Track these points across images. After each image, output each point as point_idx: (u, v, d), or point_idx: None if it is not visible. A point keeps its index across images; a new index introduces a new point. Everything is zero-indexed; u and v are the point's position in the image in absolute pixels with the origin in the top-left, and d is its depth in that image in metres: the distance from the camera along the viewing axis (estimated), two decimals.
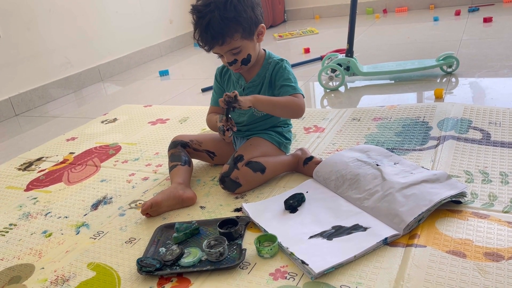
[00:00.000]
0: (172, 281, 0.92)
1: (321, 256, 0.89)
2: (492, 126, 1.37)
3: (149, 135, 1.81)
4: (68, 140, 1.91)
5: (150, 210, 1.16)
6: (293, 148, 1.40)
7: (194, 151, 1.36)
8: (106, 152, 1.71)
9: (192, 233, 1.05)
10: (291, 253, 0.92)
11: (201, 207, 1.19)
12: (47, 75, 2.69)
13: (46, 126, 2.23)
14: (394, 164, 1.16)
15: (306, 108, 1.29)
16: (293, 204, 1.09)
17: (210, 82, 1.71)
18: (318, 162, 1.24)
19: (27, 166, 1.70)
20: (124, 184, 1.41)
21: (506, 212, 0.97)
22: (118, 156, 1.64)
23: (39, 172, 1.63)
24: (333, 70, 2.04)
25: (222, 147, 1.37)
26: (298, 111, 1.22)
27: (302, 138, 1.52)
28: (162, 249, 1.01)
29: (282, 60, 1.28)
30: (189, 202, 1.21)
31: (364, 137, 1.45)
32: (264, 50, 1.31)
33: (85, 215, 1.26)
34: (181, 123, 1.89)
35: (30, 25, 2.56)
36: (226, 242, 0.96)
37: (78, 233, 1.17)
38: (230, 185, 1.20)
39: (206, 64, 3.03)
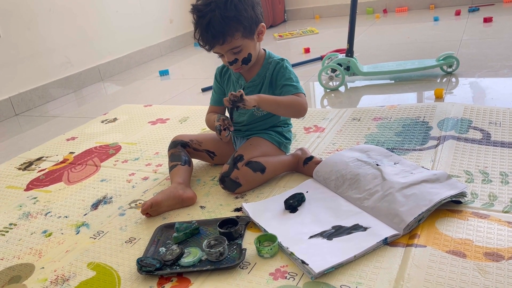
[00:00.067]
0: (172, 281, 0.92)
1: (321, 256, 0.89)
2: (492, 126, 1.37)
3: (149, 135, 1.81)
4: (68, 139, 1.91)
5: (150, 210, 1.16)
6: (293, 148, 1.40)
7: (194, 151, 1.36)
8: (106, 151, 1.71)
9: (192, 233, 1.05)
10: (291, 253, 0.92)
11: (201, 207, 1.19)
12: (47, 75, 2.69)
13: (46, 125, 2.23)
14: (394, 164, 1.16)
15: None
16: (293, 204, 1.09)
17: (210, 82, 1.71)
18: (318, 162, 1.24)
19: (27, 165, 1.70)
20: (124, 183, 1.41)
21: (506, 212, 0.97)
22: (118, 156, 1.64)
23: (39, 171, 1.63)
24: (333, 70, 2.04)
25: (222, 147, 1.37)
26: (301, 111, 1.22)
27: (302, 138, 1.52)
28: (162, 249, 1.01)
29: (282, 59, 1.28)
30: (189, 202, 1.21)
31: (364, 137, 1.45)
32: (264, 50, 1.31)
33: (85, 214, 1.26)
34: (181, 123, 1.89)
35: (30, 24, 2.56)
36: (226, 242, 0.96)
37: (78, 233, 1.17)
38: (230, 185, 1.20)
39: (206, 64, 3.03)
